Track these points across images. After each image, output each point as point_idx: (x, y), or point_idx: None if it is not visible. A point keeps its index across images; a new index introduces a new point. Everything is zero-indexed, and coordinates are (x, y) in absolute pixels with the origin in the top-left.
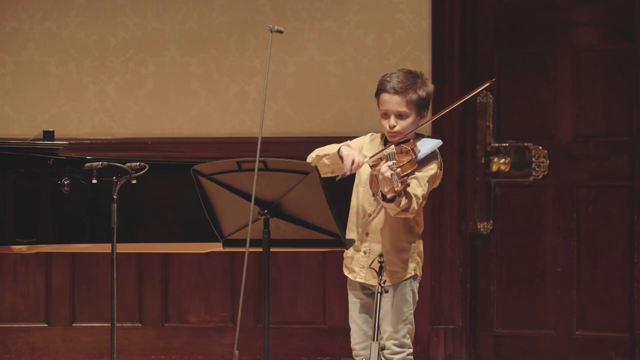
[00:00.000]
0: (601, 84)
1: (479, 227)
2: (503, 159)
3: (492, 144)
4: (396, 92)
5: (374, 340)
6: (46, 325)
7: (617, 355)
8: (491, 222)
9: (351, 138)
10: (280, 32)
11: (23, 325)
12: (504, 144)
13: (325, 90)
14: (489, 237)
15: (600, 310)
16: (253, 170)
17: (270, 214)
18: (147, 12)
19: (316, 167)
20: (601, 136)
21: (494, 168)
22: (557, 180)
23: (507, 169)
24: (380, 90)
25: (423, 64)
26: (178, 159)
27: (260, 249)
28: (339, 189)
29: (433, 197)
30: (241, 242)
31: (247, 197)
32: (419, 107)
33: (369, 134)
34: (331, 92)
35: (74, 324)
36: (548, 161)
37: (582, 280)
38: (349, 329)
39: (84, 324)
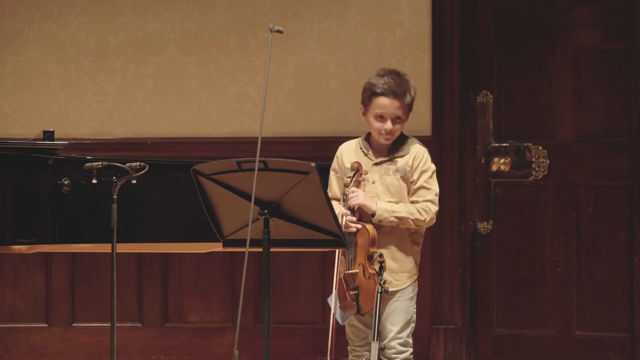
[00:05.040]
0: (601, 84)
1: (479, 227)
2: (503, 159)
3: (492, 144)
4: (396, 97)
5: (373, 340)
6: (46, 325)
7: (617, 356)
8: (491, 222)
9: (351, 138)
10: (280, 32)
11: (23, 325)
12: (504, 144)
13: (325, 90)
14: (489, 237)
15: (600, 310)
16: (253, 170)
17: (270, 214)
18: (147, 12)
19: (316, 167)
20: (601, 136)
21: (494, 168)
22: (557, 180)
23: (507, 169)
24: (377, 93)
25: (423, 64)
26: (178, 159)
27: (260, 249)
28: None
29: None
30: (241, 242)
31: (247, 197)
32: (410, 109)
33: (342, 148)
34: (331, 92)
35: (74, 324)
36: (548, 161)
37: (582, 280)
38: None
39: (84, 324)
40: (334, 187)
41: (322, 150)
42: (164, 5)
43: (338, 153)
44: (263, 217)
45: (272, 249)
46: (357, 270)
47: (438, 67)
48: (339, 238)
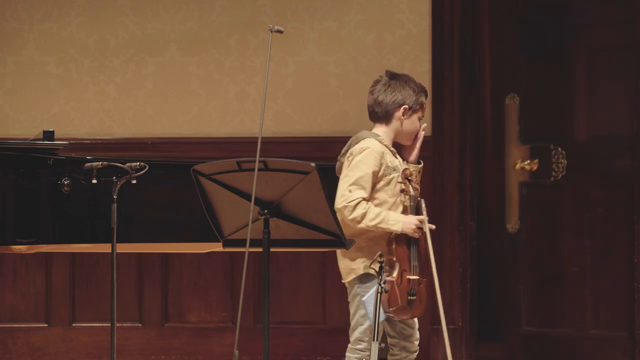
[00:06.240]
0: (608, 84)
1: (507, 227)
2: (527, 160)
3: (518, 145)
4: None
5: (374, 340)
6: (46, 325)
7: (622, 356)
8: (518, 222)
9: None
10: (280, 32)
11: (23, 325)
12: (526, 145)
13: (325, 90)
14: (516, 237)
15: (613, 310)
16: (253, 170)
17: (270, 214)
18: (147, 12)
19: (316, 167)
20: (610, 136)
21: (518, 168)
22: (573, 181)
23: (533, 169)
24: (426, 96)
25: (423, 64)
26: (178, 159)
27: (260, 249)
28: None
29: (433, 197)
30: (241, 242)
31: (247, 197)
32: None
33: (368, 149)
34: (331, 92)
35: (74, 324)
36: (565, 162)
37: (596, 279)
38: (348, 329)
39: (84, 324)
40: (370, 189)
41: (322, 150)
42: (164, 5)
43: (378, 154)
44: (263, 217)
45: (272, 249)
46: (418, 277)
47: (438, 67)
48: (339, 238)
